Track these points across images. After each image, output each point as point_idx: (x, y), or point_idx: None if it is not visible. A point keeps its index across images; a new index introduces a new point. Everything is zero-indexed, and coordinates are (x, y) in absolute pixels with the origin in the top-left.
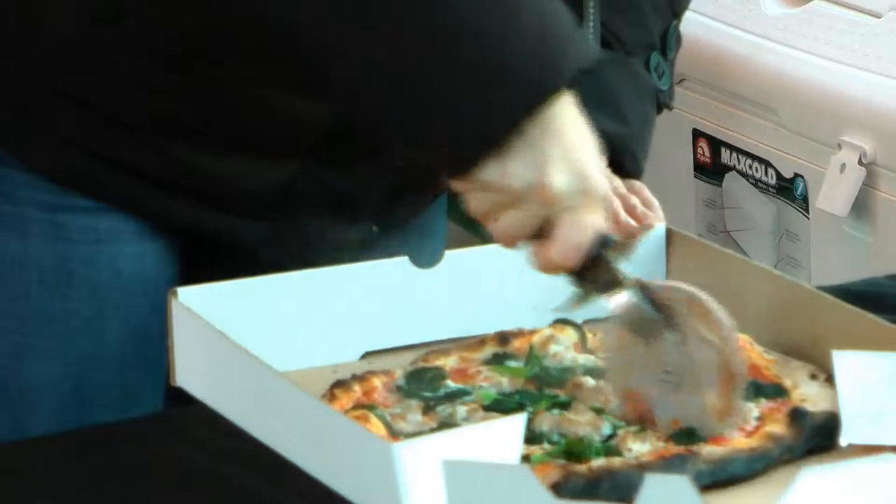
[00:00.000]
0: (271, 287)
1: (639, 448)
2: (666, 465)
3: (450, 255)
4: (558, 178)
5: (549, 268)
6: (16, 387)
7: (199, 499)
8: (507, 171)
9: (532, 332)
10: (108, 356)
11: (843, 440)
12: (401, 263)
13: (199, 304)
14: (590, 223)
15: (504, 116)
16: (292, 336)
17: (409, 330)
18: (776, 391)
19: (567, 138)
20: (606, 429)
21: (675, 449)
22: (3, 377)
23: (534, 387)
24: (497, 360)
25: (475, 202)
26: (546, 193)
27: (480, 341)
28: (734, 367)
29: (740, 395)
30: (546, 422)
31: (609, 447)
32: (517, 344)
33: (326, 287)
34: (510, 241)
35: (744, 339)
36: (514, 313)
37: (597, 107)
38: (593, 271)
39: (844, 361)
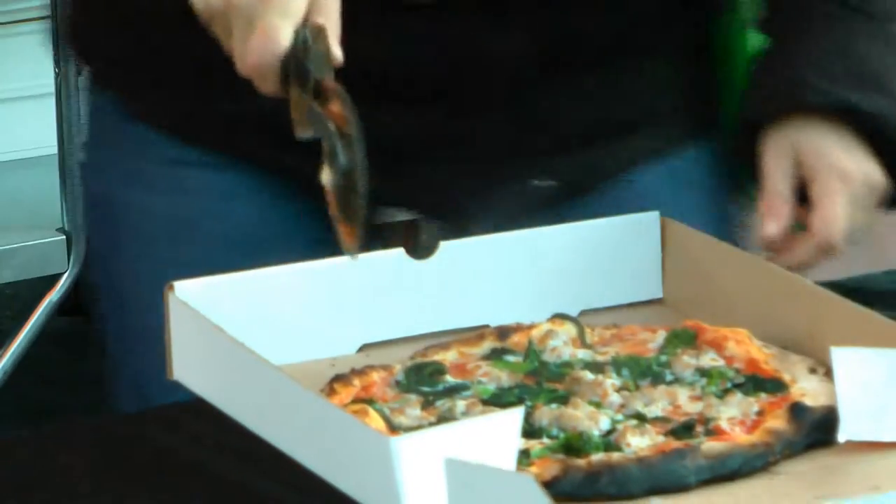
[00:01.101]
0: (267, 281)
1: (638, 443)
2: (665, 459)
3: (445, 246)
4: None
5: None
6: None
7: (196, 493)
8: None
9: (530, 327)
10: None
11: (842, 436)
12: (396, 255)
13: (196, 298)
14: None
15: None
16: (289, 329)
17: (405, 322)
18: (776, 386)
19: None
20: (605, 423)
21: (674, 444)
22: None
23: (533, 382)
24: (496, 356)
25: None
26: None
27: (479, 336)
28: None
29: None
30: (545, 416)
31: (608, 442)
32: (516, 339)
33: (323, 280)
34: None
35: (742, 333)
36: (509, 305)
37: (854, 84)
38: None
39: (843, 357)
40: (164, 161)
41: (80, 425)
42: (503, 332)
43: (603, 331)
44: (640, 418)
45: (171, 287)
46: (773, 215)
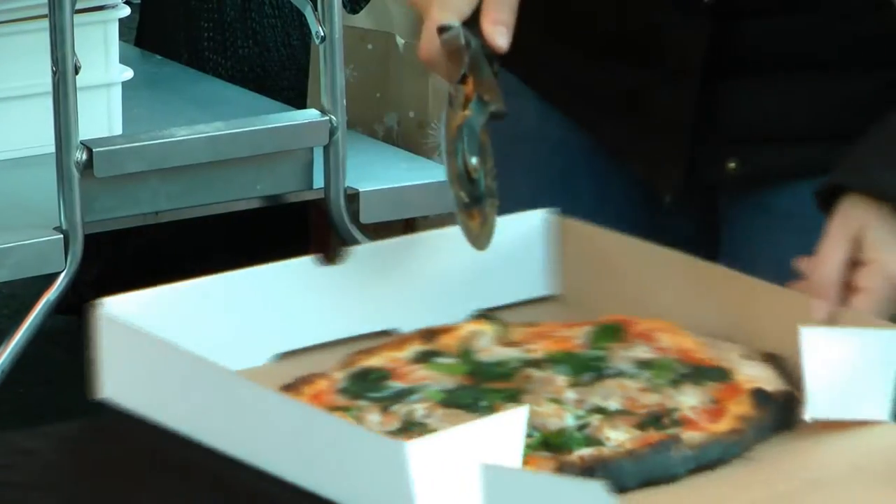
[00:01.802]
0: (177, 294)
1: (617, 436)
2: (654, 451)
3: (355, 251)
4: None
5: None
6: None
7: (189, 492)
8: None
9: (454, 328)
10: None
11: (809, 415)
12: (304, 263)
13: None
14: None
15: None
16: (199, 343)
17: (319, 329)
18: (719, 375)
19: None
20: (569, 419)
21: (656, 435)
22: None
23: (472, 382)
24: (425, 358)
25: None
26: None
27: (402, 339)
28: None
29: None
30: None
31: (588, 437)
32: (443, 340)
33: (231, 291)
34: None
35: (670, 324)
36: (421, 306)
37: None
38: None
39: (811, 337)
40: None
41: (78, 424)
42: (428, 335)
43: (523, 328)
44: (602, 412)
45: (99, 304)
46: (822, 298)
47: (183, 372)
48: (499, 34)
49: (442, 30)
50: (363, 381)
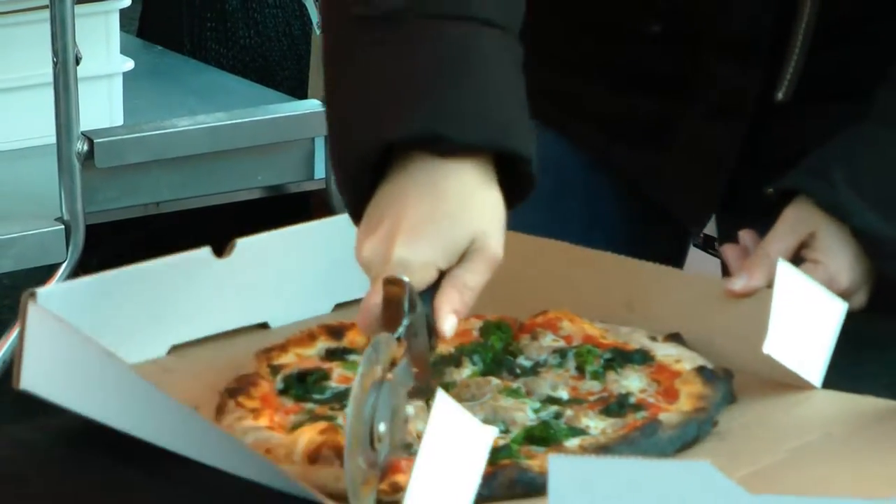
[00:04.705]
0: (101, 284)
1: (595, 424)
2: (643, 433)
3: (241, 242)
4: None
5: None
6: None
7: (183, 491)
8: None
9: (356, 324)
10: None
11: (766, 348)
12: (200, 256)
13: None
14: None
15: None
16: (114, 333)
17: (208, 321)
18: (643, 358)
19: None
20: (529, 411)
21: (639, 420)
22: None
23: None
24: (337, 356)
25: None
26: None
27: (310, 335)
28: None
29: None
30: (481, 409)
31: (572, 427)
32: (350, 336)
33: (128, 285)
34: None
35: (567, 314)
36: (291, 300)
37: (875, 204)
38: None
39: (786, 274)
40: None
41: (79, 417)
42: (335, 331)
43: None
44: (557, 402)
45: (33, 295)
46: (748, 274)
47: (107, 369)
48: (449, 323)
49: (390, 281)
50: (304, 383)
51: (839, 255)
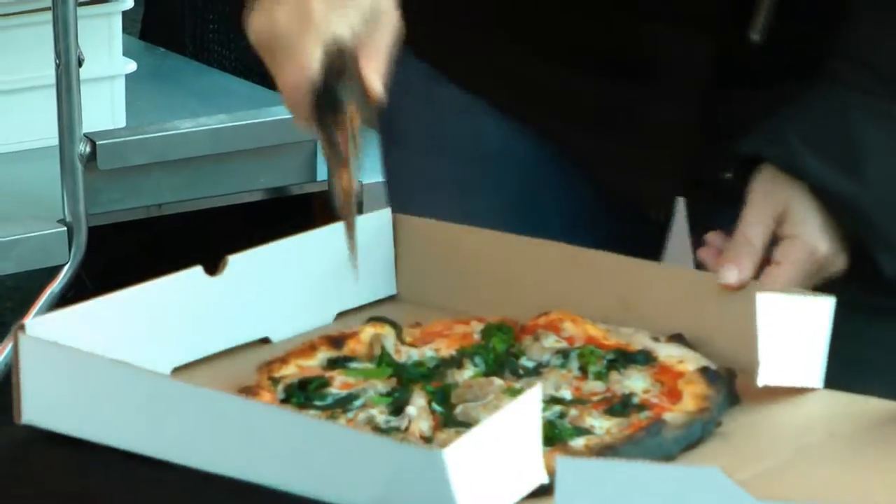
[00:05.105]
0: (95, 311)
1: (600, 423)
2: (648, 433)
3: (233, 259)
4: None
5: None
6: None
7: (177, 489)
8: None
9: (356, 333)
10: None
11: (761, 382)
12: (192, 275)
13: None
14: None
15: None
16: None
17: (211, 339)
18: (645, 358)
19: None
20: None
21: (644, 419)
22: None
23: (398, 383)
24: (339, 365)
25: None
26: None
27: (310, 346)
28: None
29: None
30: (473, 411)
31: (577, 427)
32: (350, 346)
33: (121, 311)
34: None
35: (568, 315)
36: (291, 313)
37: (831, 160)
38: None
39: (766, 302)
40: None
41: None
42: (335, 341)
43: (412, 329)
44: (560, 402)
45: (22, 328)
46: (736, 265)
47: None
48: (380, 84)
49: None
50: (304, 390)
51: (811, 222)
